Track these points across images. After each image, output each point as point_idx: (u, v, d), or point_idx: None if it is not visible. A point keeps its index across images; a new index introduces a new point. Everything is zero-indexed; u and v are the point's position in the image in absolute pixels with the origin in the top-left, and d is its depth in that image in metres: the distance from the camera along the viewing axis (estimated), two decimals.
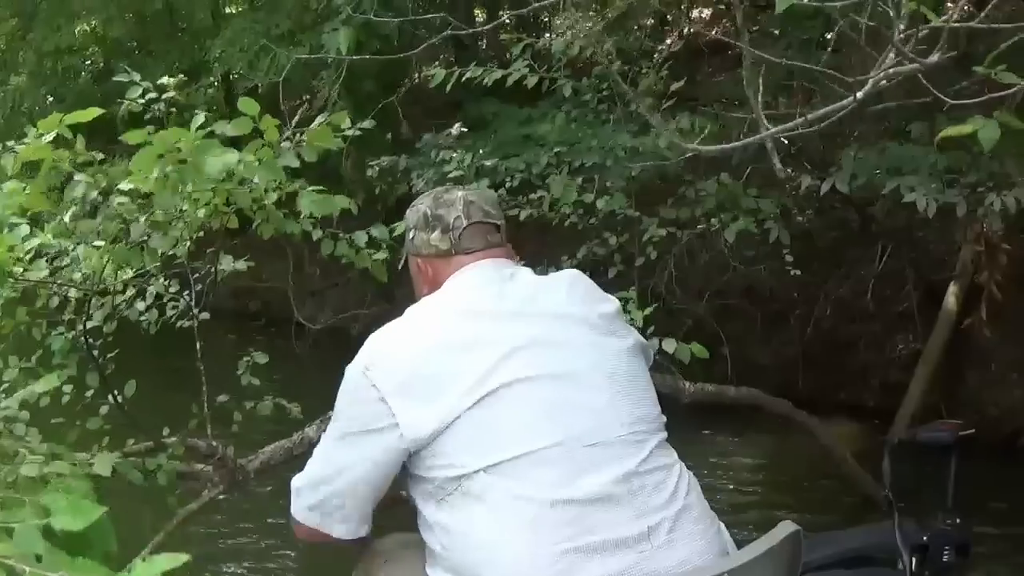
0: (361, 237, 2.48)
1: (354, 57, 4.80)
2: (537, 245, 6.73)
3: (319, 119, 2.25)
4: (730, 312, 6.33)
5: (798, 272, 5.18)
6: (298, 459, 2.71)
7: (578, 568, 1.55)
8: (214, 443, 2.59)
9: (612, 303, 1.87)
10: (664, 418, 1.79)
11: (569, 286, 1.84)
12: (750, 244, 5.94)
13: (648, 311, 3.17)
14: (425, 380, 1.66)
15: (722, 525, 1.77)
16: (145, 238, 2.06)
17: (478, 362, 1.66)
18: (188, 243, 2.33)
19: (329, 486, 1.74)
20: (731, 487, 5.24)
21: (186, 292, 2.78)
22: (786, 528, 1.64)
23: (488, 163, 4.85)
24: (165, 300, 2.82)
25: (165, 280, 2.75)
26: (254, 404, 2.85)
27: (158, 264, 2.46)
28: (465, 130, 5.04)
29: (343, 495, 1.74)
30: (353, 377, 1.73)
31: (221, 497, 2.65)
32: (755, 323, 6.41)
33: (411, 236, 1.90)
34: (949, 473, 2.54)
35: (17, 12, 8.78)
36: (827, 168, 4.90)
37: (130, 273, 2.40)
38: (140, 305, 2.70)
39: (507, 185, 4.87)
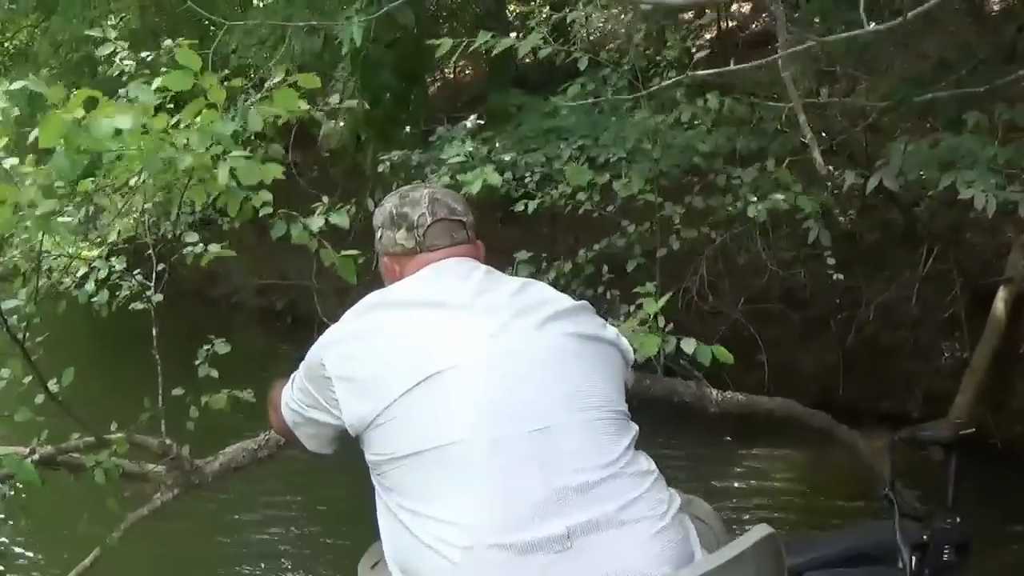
0: (316, 222, 2.22)
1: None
2: (561, 235, 6.58)
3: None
4: (768, 317, 6.07)
5: (840, 276, 4.88)
6: (262, 462, 2.50)
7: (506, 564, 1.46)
8: (167, 441, 2.38)
9: (569, 300, 1.83)
10: (623, 406, 1.72)
11: (523, 284, 1.83)
12: (789, 245, 5.66)
13: (662, 302, 2.87)
14: (364, 369, 1.68)
15: (693, 531, 1.62)
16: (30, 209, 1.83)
17: (415, 351, 1.66)
18: (139, 210, 2.12)
19: (299, 420, 1.86)
20: (765, 502, 5.02)
21: (137, 271, 2.57)
22: (759, 532, 1.51)
23: (507, 157, 4.62)
24: (115, 279, 2.60)
25: (114, 257, 2.54)
26: (207, 398, 2.65)
27: (60, 239, 2.24)
28: (482, 123, 4.83)
29: (310, 433, 1.85)
30: (313, 351, 1.81)
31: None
32: (794, 328, 6.15)
33: (379, 235, 1.94)
34: (949, 472, 2.56)
35: (39, 4, 8.77)
36: (871, 165, 4.58)
37: (66, 248, 2.18)
38: (90, 286, 2.49)
39: (526, 181, 4.66)
